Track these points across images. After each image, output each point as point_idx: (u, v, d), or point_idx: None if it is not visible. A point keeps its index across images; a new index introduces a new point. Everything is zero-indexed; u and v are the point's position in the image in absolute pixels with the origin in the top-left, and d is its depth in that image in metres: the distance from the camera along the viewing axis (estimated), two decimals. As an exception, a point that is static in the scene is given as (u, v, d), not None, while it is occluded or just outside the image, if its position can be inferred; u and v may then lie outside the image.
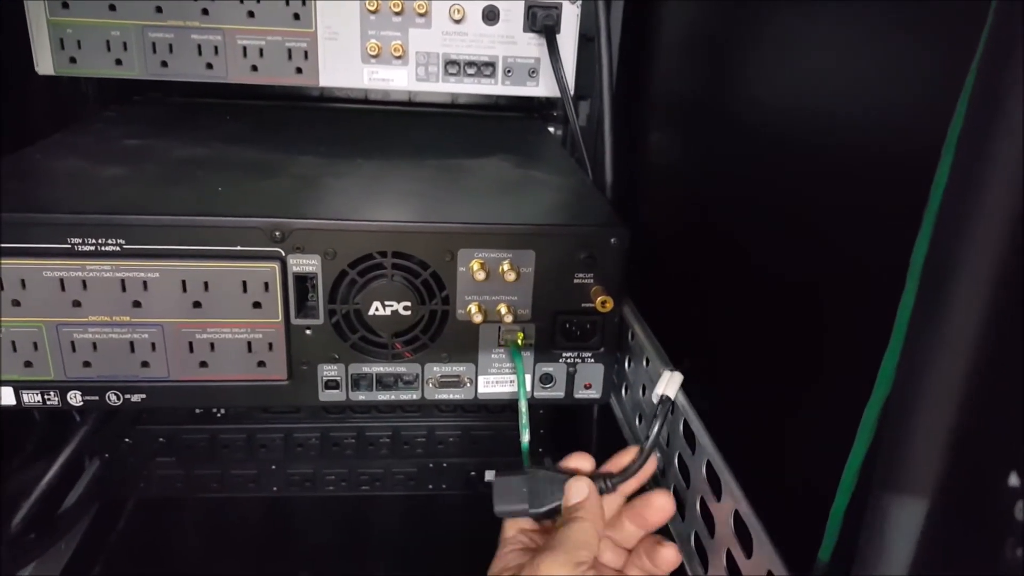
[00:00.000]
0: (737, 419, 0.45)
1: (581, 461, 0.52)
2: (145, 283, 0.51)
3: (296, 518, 0.84)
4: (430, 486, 0.84)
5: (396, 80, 0.76)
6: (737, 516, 0.42)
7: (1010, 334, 0.24)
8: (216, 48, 0.72)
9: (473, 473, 0.83)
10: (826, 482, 0.32)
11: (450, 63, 0.76)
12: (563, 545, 0.45)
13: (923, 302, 0.26)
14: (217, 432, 0.79)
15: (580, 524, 0.46)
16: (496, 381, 0.59)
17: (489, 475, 0.83)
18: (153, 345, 0.53)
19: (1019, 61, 0.23)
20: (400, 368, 0.57)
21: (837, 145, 0.42)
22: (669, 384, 0.50)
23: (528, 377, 0.59)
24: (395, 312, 0.54)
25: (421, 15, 0.73)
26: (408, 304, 0.54)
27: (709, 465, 0.46)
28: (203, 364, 0.54)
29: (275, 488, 0.83)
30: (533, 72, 0.77)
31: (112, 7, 0.69)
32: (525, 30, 0.75)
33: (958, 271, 0.25)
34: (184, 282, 0.51)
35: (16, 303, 0.50)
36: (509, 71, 0.77)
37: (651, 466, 0.50)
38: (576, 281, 0.56)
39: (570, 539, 0.45)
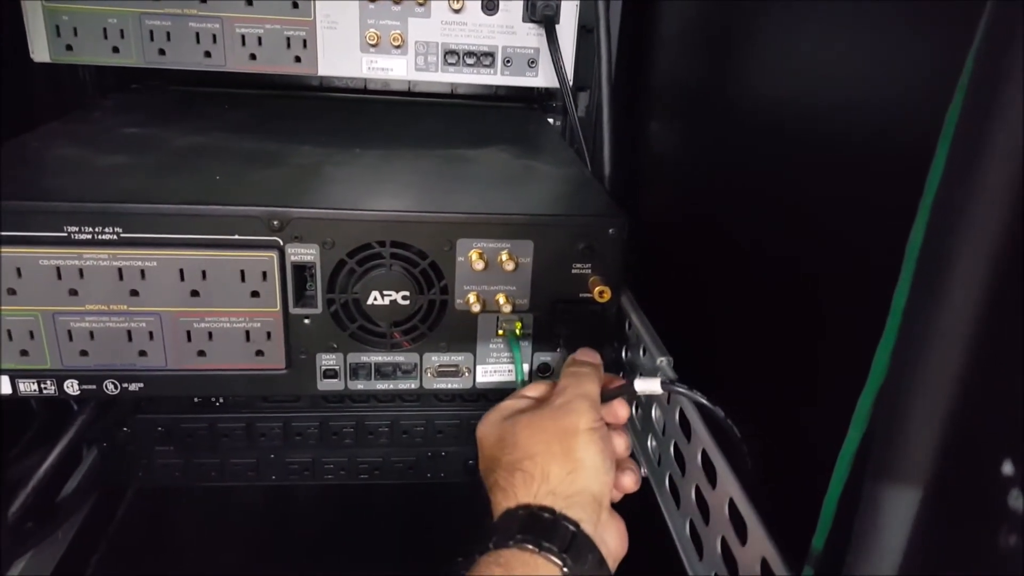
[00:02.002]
0: (732, 407, 0.45)
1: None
2: (143, 272, 0.51)
3: (295, 507, 0.84)
4: (429, 475, 0.84)
5: (395, 70, 0.76)
6: (732, 504, 0.42)
7: (1004, 324, 0.24)
8: (214, 36, 0.71)
9: (471, 462, 0.83)
10: (820, 470, 0.33)
11: (449, 53, 0.76)
12: (572, 372, 0.48)
13: (918, 292, 0.27)
14: (216, 421, 0.79)
15: (584, 364, 0.50)
16: (494, 370, 0.59)
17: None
18: (151, 334, 0.53)
19: (1015, 52, 0.23)
20: (399, 357, 0.57)
21: (835, 137, 0.42)
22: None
23: (526, 366, 0.59)
24: (394, 302, 0.54)
25: (420, 5, 0.73)
26: (407, 293, 0.54)
27: (704, 454, 0.46)
28: (201, 353, 0.54)
29: (274, 477, 0.83)
30: (532, 62, 0.77)
31: (109, -6, 0.69)
32: (524, 20, 0.75)
33: (953, 261, 0.25)
34: (182, 271, 0.51)
35: (12, 292, 0.50)
36: (508, 61, 0.77)
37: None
38: (574, 271, 0.56)
39: (578, 369, 0.49)
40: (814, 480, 0.33)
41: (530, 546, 0.39)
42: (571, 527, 0.40)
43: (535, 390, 0.51)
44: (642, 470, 0.58)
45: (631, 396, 0.50)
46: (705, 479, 0.46)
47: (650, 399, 0.57)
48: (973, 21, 0.25)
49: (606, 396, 0.49)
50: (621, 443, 0.48)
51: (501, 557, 0.39)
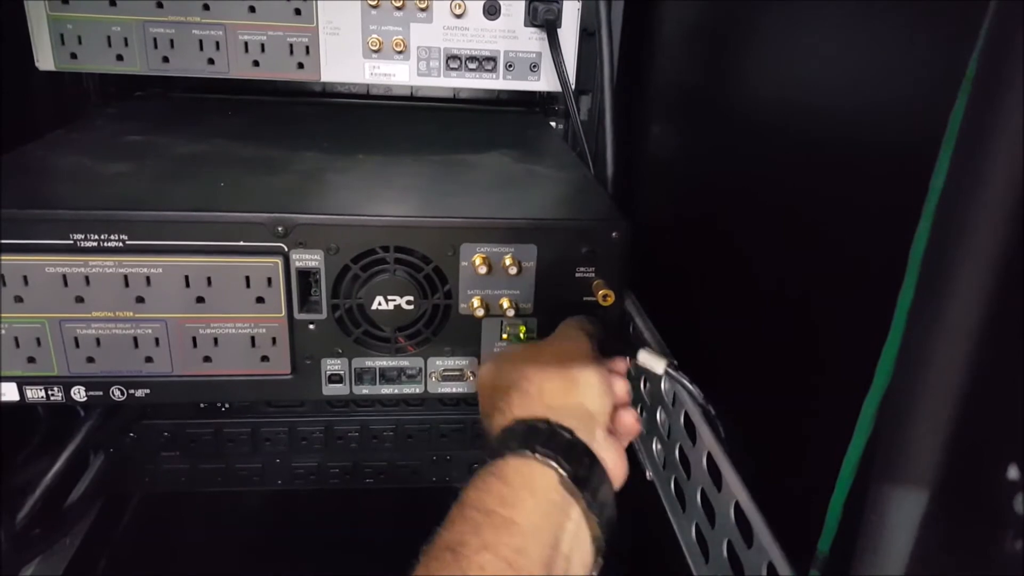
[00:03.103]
0: (736, 410, 0.45)
1: None
2: (148, 279, 0.51)
3: (301, 511, 0.84)
4: (434, 479, 0.84)
5: (398, 75, 0.76)
6: (737, 508, 0.42)
7: (1009, 327, 0.24)
8: (217, 43, 0.72)
9: (476, 465, 0.83)
10: (825, 474, 0.33)
11: (451, 58, 0.76)
12: (567, 321, 0.51)
13: (922, 295, 0.27)
14: (221, 426, 0.79)
15: (582, 319, 0.52)
16: (498, 375, 0.59)
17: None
18: (156, 340, 0.53)
19: (1018, 55, 0.23)
20: (403, 362, 0.58)
21: (838, 139, 0.42)
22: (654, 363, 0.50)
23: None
24: (398, 306, 0.54)
25: (422, 10, 0.73)
26: (411, 298, 0.54)
27: (710, 457, 0.46)
28: (207, 359, 0.54)
29: (279, 481, 0.83)
30: (534, 67, 0.77)
31: (112, 2, 0.69)
32: (526, 24, 0.75)
33: (957, 264, 0.25)
34: (187, 277, 0.51)
35: (19, 299, 0.50)
36: (510, 66, 0.77)
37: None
38: (578, 275, 0.56)
39: (573, 319, 0.51)
40: (820, 483, 0.33)
41: (526, 451, 0.39)
42: (566, 434, 0.40)
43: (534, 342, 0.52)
44: (647, 473, 0.58)
45: (630, 359, 0.51)
46: (711, 482, 0.46)
47: (655, 401, 0.57)
48: (976, 23, 0.25)
49: (609, 350, 0.50)
50: (621, 386, 0.48)
51: (496, 467, 0.39)
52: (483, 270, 0.54)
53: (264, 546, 0.80)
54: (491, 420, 0.44)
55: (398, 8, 0.73)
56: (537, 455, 0.38)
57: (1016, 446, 0.23)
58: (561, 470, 0.38)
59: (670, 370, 0.48)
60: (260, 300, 0.53)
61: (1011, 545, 0.23)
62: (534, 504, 0.37)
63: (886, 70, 0.37)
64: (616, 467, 0.43)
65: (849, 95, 0.41)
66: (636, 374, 0.61)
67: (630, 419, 0.47)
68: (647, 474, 0.58)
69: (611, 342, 0.51)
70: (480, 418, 0.49)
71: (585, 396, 0.43)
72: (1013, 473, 0.23)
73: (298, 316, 0.54)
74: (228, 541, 0.80)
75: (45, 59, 0.71)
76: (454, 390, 0.59)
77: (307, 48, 0.73)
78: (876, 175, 0.37)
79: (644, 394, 0.60)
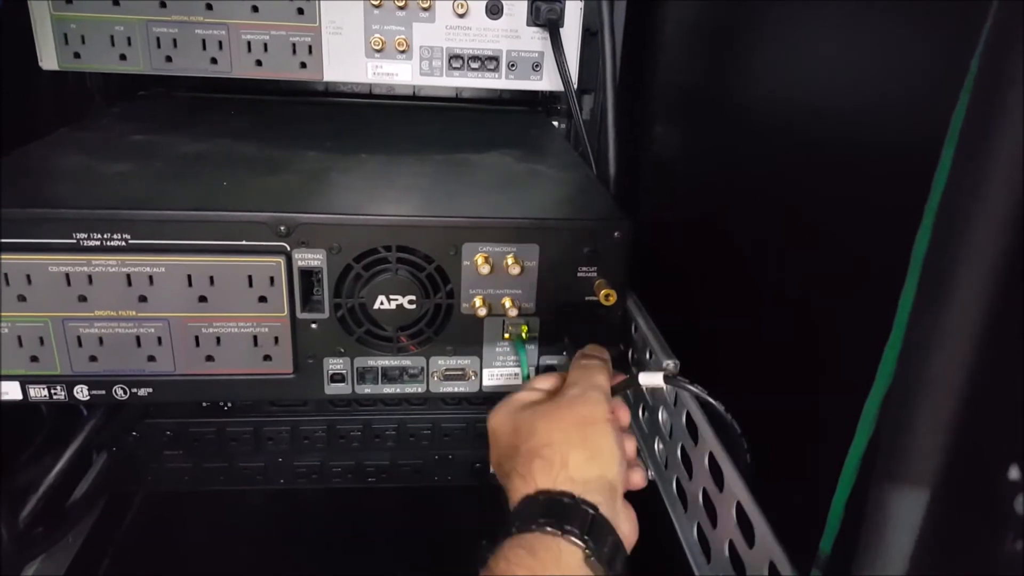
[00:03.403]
0: (739, 410, 0.45)
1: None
2: (151, 278, 0.51)
3: (303, 510, 0.84)
4: (436, 478, 0.84)
5: (400, 74, 0.76)
6: (739, 507, 0.42)
7: (1010, 327, 0.24)
8: (220, 43, 0.72)
9: (478, 465, 0.83)
10: (827, 473, 0.33)
11: (454, 57, 0.76)
12: (583, 365, 0.50)
13: (924, 295, 0.27)
14: (224, 425, 0.79)
15: (593, 358, 0.51)
16: (501, 374, 0.59)
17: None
18: (159, 339, 0.53)
19: (1020, 54, 0.23)
20: (405, 361, 0.58)
21: (839, 139, 0.42)
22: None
23: (532, 370, 0.59)
24: (400, 306, 0.54)
25: (425, 9, 0.73)
26: (413, 298, 0.54)
27: (711, 457, 0.46)
28: (209, 358, 0.54)
29: (282, 481, 0.83)
30: (537, 66, 0.77)
31: (116, 2, 0.69)
32: (529, 24, 0.75)
33: (959, 264, 0.25)
34: (190, 276, 0.51)
35: (22, 298, 0.50)
36: (513, 65, 0.77)
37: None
38: (580, 275, 0.56)
39: (588, 363, 0.50)
40: (822, 483, 0.33)
41: (551, 529, 0.39)
42: (590, 510, 0.41)
43: (545, 382, 0.52)
44: (649, 473, 0.58)
45: (635, 389, 0.51)
46: (712, 482, 0.46)
47: (657, 401, 0.57)
48: (977, 23, 0.25)
49: (614, 390, 0.49)
50: (630, 446, 0.48)
51: (524, 540, 0.39)
52: (485, 270, 0.54)
53: (266, 545, 0.80)
54: (509, 481, 0.45)
55: (400, 8, 0.73)
56: (566, 535, 0.39)
57: (1017, 447, 0.23)
58: (586, 549, 0.39)
59: (670, 382, 0.48)
60: (262, 299, 0.53)
61: (1012, 545, 0.23)
62: None
63: (888, 70, 0.37)
64: (631, 533, 0.44)
65: (851, 95, 0.41)
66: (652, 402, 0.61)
67: (638, 478, 0.48)
68: (649, 474, 0.58)
69: (615, 383, 0.50)
70: (492, 465, 0.50)
71: (606, 467, 0.43)
72: (1014, 474, 0.23)
73: (300, 315, 0.54)
74: (230, 540, 0.80)
75: (49, 58, 0.71)
76: (456, 389, 0.59)
77: (310, 48, 0.73)
78: (878, 175, 0.37)
79: (646, 394, 0.60)
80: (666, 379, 0.48)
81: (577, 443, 0.44)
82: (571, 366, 0.51)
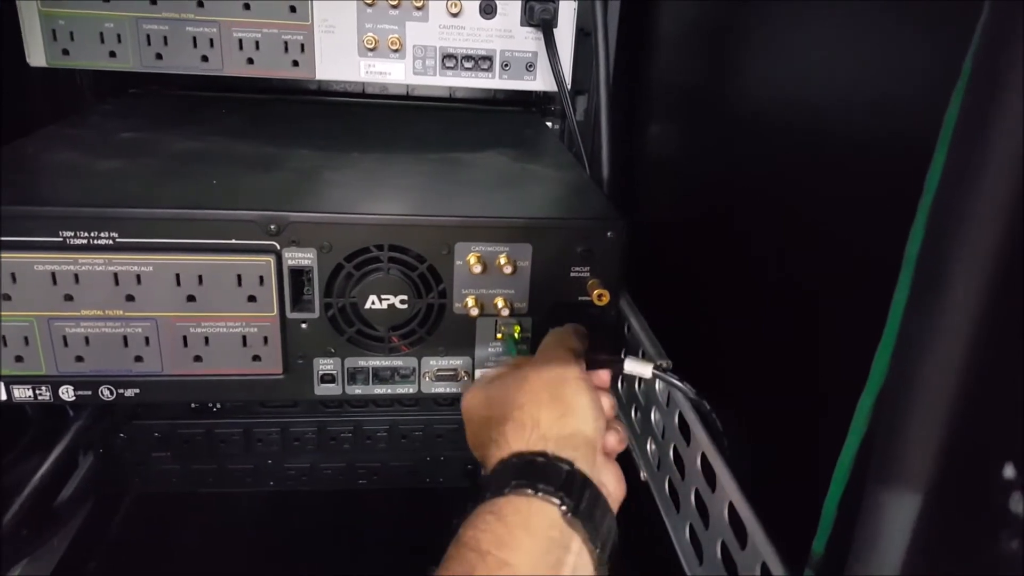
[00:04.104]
0: (731, 410, 0.45)
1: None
2: (139, 277, 0.50)
3: (294, 512, 0.83)
4: (427, 479, 0.84)
5: (393, 73, 0.75)
6: (731, 508, 0.42)
7: (1004, 325, 0.24)
8: (211, 40, 0.71)
9: (470, 466, 0.83)
10: (820, 473, 0.32)
11: (447, 57, 0.76)
12: (553, 332, 0.51)
13: (917, 293, 0.26)
14: (213, 427, 0.79)
15: (565, 327, 0.52)
16: (492, 375, 0.59)
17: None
18: (147, 339, 0.52)
19: (1013, 54, 0.23)
20: (397, 362, 0.57)
21: (834, 138, 0.41)
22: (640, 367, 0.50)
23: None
24: (391, 306, 0.54)
25: (418, 8, 0.73)
26: (404, 298, 0.54)
27: (704, 457, 0.46)
28: (197, 359, 0.53)
29: (272, 482, 0.82)
30: (530, 66, 0.77)
31: (105, -1, 0.69)
32: (522, 24, 0.75)
33: (952, 262, 0.25)
34: (178, 276, 0.51)
35: (7, 297, 0.49)
36: (506, 65, 0.77)
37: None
38: (573, 274, 0.56)
39: (559, 330, 0.51)
40: (814, 483, 0.33)
41: (527, 490, 0.38)
42: (565, 466, 0.39)
43: (515, 361, 0.51)
44: (642, 474, 0.58)
45: (617, 372, 0.51)
46: (705, 483, 0.46)
47: (650, 402, 0.56)
48: (972, 22, 0.24)
49: (594, 364, 0.49)
50: (607, 402, 0.47)
51: (495, 505, 0.38)
52: (478, 269, 0.53)
53: (256, 547, 0.79)
54: (485, 451, 0.44)
55: (394, 6, 0.72)
56: (539, 493, 0.38)
57: (1012, 445, 0.23)
58: (562, 505, 0.38)
59: (657, 372, 0.48)
60: (252, 299, 0.52)
61: (1007, 544, 0.22)
62: (531, 544, 0.36)
63: (882, 69, 0.37)
64: (616, 488, 0.43)
65: (845, 93, 0.40)
66: (628, 380, 0.61)
67: (614, 440, 0.47)
68: (641, 475, 0.58)
69: (595, 354, 0.50)
70: (470, 447, 0.49)
71: (580, 422, 0.42)
72: (1009, 472, 0.23)
73: (290, 315, 0.54)
74: (220, 542, 0.80)
75: (37, 55, 0.70)
76: (448, 390, 0.59)
77: (302, 46, 0.73)
78: (872, 173, 0.37)
79: (638, 394, 0.59)
80: (654, 368, 0.47)
81: (547, 402, 0.43)
82: (545, 337, 0.51)
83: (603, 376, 0.50)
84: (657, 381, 0.53)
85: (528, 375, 0.45)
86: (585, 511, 0.38)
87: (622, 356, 0.50)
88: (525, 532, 0.37)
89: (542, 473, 0.39)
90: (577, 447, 0.41)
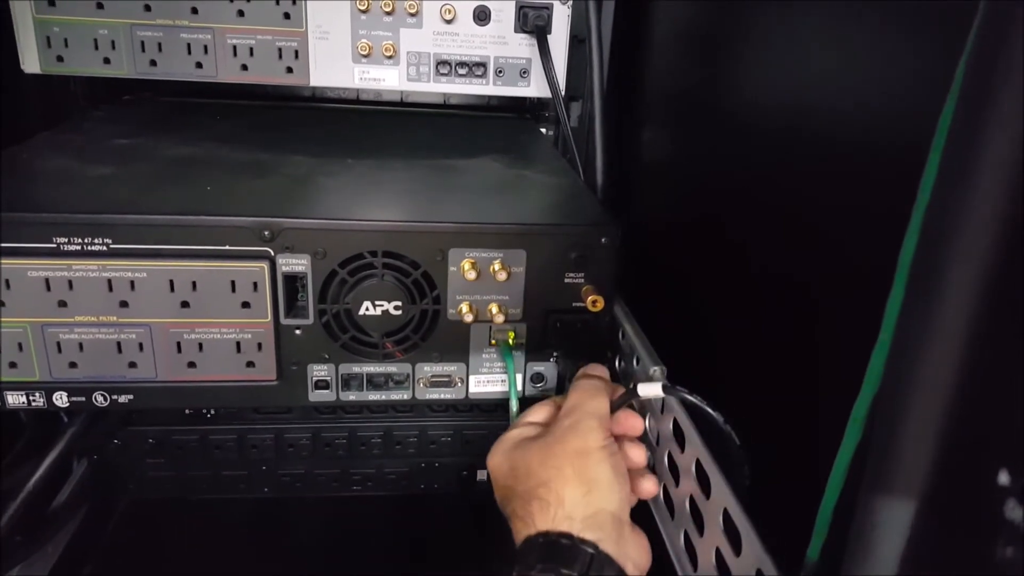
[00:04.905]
0: (726, 416, 0.45)
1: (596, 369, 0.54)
2: (132, 283, 0.50)
3: (288, 519, 0.83)
4: (422, 486, 0.84)
5: (387, 80, 0.76)
6: (726, 515, 0.42)
7: (999, 330, 0.24)
8: (206, 47, 0.71)
9: (465, 473, 0.82)
10: (815, 479, 0.32)
11: (441, 63, 0.76)
12: (580, 387, 0.50)
13: (911, 298, 0.26)
14: (207, 433, 0.78)
15: (592, 379, 0.51)
16: (487, 381, 0.59)
17: (481, 475, 0.83)
18: (140, 345, 0.52)
19: (1007, 59, 0.23)
20: (391, 368, 0.57)
21: (828, 143, 0.42)
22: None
23: (519, 376, 0.59)
24: (386, 312, 0.54)
25: (412, 15, 0.73)
26: (399, 304, 0.54)
27: (698, 463, 0.46)
28: (191, 364, 0.53)
29: (266, 489, 0.82)
30: (524, 72, 0.77)
31: (100, 5, 0.69)
32: (516, 30, 0.75)
33: (946, 268, 0.25)
34: (172, 282, 0.51)
35: (1, 303, 0.49)
36: (500, 71, 0.77)
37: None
38: (567, 280, 0.56)
39: (586, 384, 0.50)
40: (809, 489, 0.33)
41: (551, 575, 0.39)
42: (589, 549, 0.40)
43: (539, 414, 0.52)
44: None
45: (635, 401, 0.50)
46: (699, 489, 0.45)
47: (644, 408, 0.56)
48: (965, 27, 0.24)
49: (613, 406, 0.49)
50: (637, 454, 0.48)
51: None
52: (472, 275, 0.53)
53: (250, 553, 0.79)
54: (512, 524, 0.45)
55: (388, 13, 0.72)
56: None
57: (1007, 451, 0.23)
58: None
59: (667, 388, 0.48)
60: (246, 305, 0.52)
61: (1002, 551, 0.23)
62: None
63: (876, 73, 0.37)
64: (642, 559, 0.44)
65: (839, 98, 0.41)
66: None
67: (649, 485, 0.48)
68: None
69: (614, 399, 0.50)
70: (497, 502, 0.49)
71: (605, 498, 0.43)
72: (1004, 478, 0.23)
73: (284, 321, 0.53)
74: (214, 549, 0.79)
75: (31, 62, 0.70)
76: (442, 396, 0.59)
77: (296, 52, 0.73)
78: (868, 178, 0.37)
79: (634, 404, 0.59)
80: (664, 388, 0.47)
81: (572, 478, 0.43)
82: (570, 388, 0.51)
83: (632, 423, 0.49)
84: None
85: (553, 448, 0.45)
86: None
87: (632, 386, 0.50)
88: None
89: (567, 556, 0.40)
90: (602, 526, 0.42)
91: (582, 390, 0.50)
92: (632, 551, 0.43)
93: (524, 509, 0.43)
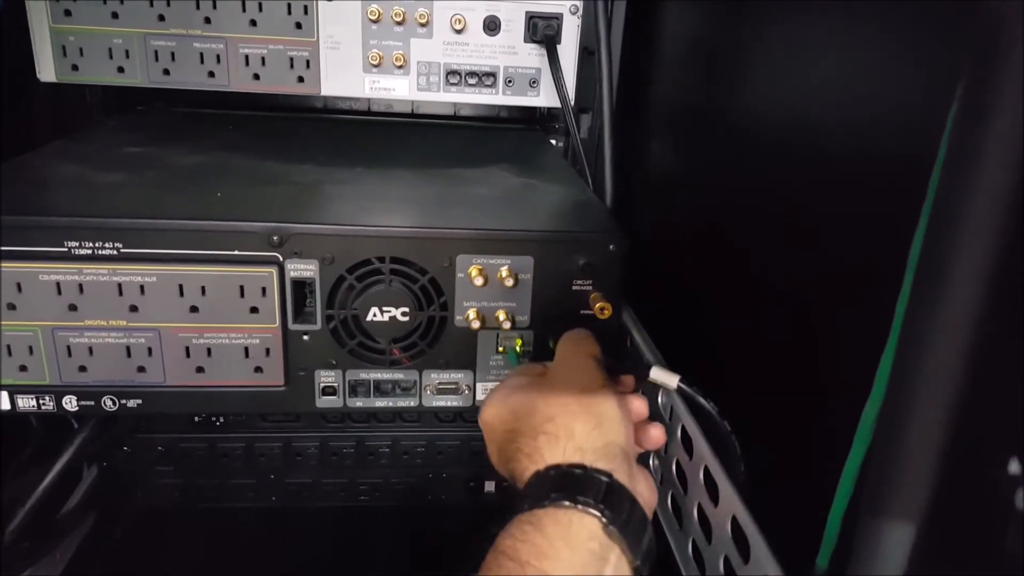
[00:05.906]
0: (734, 424, 0.44)
1: None
2: (142, 287, 0.51)
3: (295, 528, 0.83)
4: (429, 496, 0.83)
5: (397, 89, 0.76)
6: (735, 522, 0.41)
7: (1006, 327, 0.24)
8: (218, 56, 0.72)
9: (472, 484, 0.82)
10: (824, 486, 0.32)
11: (451, 73, 0.76)
12: (570, 338, 0.50)
13: (919, 297, 0.26)
14: (216, 441, 0.78)
15: (581, 332, 0.52)
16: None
17: (489, 485, 0.83)
18: (150, 350, 0.52)
19: (1009, 61, 0.23)
20: (398, 374, 0.57)
21: (834, 152, 0.41)
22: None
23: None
24: (393, 318, 0.54)
25: (422, 25, 0.73)
26: (406, 310, 0.54)
27: (706, 471, 0.45)
28: (200, 370, 0.53)
29: (274, 498, 0.82)
30: (534, 82, 0.77)
31: (114, 15, 0.70)
32: (526, 40, 0.76)
33: (953, 266, 0.25)
34: (181, 287, 0.51)
35: (12, 307, 0.50)
36: (510, 81, 0.77)
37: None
38: (575, 288, 0.56)
39: (575, 335, 0.51)
40: (818, 497, 0.33)
41: (566, 502, 0.38)
42: (604, 478, 0.39)
43: (531, 368, 0.51)
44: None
45: (641, 378, 0.50)
46: (707, 497, 0.45)
47: (653, 416, 0.56)
48: (968, 30, 0.24)
49: (616, 369, 0.49)
50: (637, 404, 0.48)
51: (534, 516, 0.38)
52: (479, 282, 0.53)
53: (257, 562, 0.79)
54: (515, 465, 0.43)
55: (398, 23, 0.73)
56: (579, 506, 0.38)
57: (1017, 446, 0.23)
58: (603, 517, 0.38)
59: (683, 385, 0.47)
60: (254, 310, 0.52)
61: (1012, 544, 0.22)
62: (570, 556, 0.36)
63: (882, 84, 0.37)
64: (650, 496, 0.43)
65: (844, 109, 0.41)
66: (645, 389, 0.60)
67: (657, 433, 0.48)
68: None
69: (616, 361, 0.50)
70: (491, 458, 0.49)
71: (614, 431, 0.43)
72: (1015, 468, 0.23)
73: (292, 327, 0.54)
74: (221, 558, 0.79)
75: (47, 70, 0.71)
76: (449, 404, 0.59)
77: (307, 62, 0.73)
78: (873, 186, 0.37)
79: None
80: (680, 381, 0.47)
81: (579, 413, 0.43)
82: (559, 343, 0.51)
83: (627, 381, 0.50)
84: (673, 395, 0.52)
85: (554, 385, 0.45)
86: (625, 523, 0.38)
87: (647, 362, 0.50)
88: (564, 544, 0.37)
89: (581, 485, 0.39)
90: (613, 458, 0.41)
91: (572, 339, 0.50)
92: (640, 488, 0.42)
93: (531, 445, 0.42)
